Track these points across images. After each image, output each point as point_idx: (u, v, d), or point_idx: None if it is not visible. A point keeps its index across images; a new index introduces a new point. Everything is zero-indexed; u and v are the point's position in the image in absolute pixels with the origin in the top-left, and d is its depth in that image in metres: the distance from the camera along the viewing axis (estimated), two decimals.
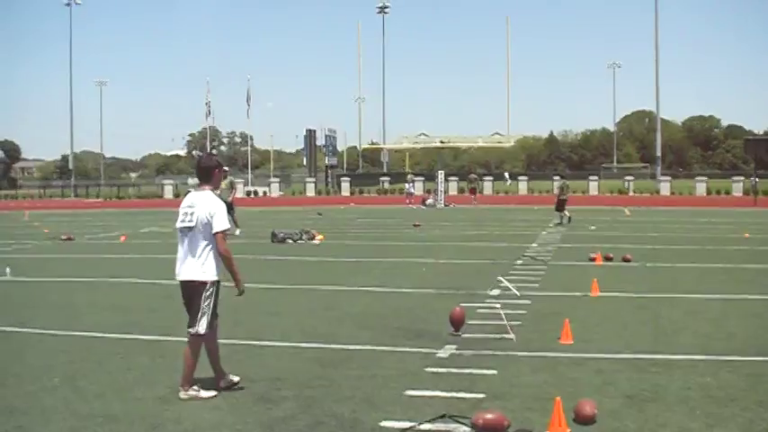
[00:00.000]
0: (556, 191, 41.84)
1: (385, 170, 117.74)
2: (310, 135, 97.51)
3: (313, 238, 28.34)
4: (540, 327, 12.54)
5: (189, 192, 9.65)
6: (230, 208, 31.51)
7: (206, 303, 9.14)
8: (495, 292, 15.59)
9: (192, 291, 9.09)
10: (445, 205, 57.85)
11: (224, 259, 9.14)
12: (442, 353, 10.87)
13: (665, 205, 56.76)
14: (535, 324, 12.75)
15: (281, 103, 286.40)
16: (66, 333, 12.64)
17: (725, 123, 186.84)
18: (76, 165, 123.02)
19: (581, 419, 7.81)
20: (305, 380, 9.59)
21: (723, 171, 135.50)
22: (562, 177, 46.73)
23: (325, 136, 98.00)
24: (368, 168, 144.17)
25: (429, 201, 58.97)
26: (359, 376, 9.77)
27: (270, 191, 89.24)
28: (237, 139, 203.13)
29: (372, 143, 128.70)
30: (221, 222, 8.99)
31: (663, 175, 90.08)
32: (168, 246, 27.57)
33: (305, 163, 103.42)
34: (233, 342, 11.71)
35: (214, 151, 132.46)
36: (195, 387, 9.02)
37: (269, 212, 51.78)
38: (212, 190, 9.33)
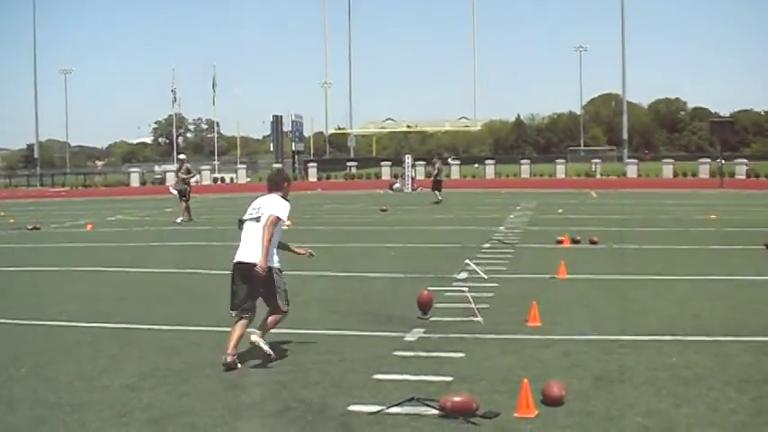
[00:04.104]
0: (434, 171, 43.23)
1: (352, 155, 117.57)
2: (277, 121, 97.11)
3: None
4: (507, 309, 12.57)
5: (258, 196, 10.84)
6: (187, 195, 31.57)
7: (280, 283, 10.19)
8: (463, 275, 15.61)
9: (251, 272, 9.89)
10: (412, 190, 57.90)
11: (264, 232, 9.98)
12: (410, 336, 10.89)
13: (632, 187, 57.08)
14: (503, 307, 12.78)
15: (247, 89, 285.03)
16: (33, 322, 12.55)
17: (691, 106, 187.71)
18: (42, 153, 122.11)
19: (549, 401, 7.84)
20: (273, 366, 9.57)
21: (689, 153, 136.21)
22: (441, 159, 47.72)
23: (292, 122, 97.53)
24: (335, 154, 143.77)
25: (396, 185, 59.05)
26: (327, 361, 9.77)
27: (237, 177, 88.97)
28: (204, 126, 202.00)
29: (339, 129, 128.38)
30: (281, 211, 10.26)
31: (630, 157, 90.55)
32: (135, 234, 27.54)
33: (272, 149, 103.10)
34: (202, 329, 11.75)
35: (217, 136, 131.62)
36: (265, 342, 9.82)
37: (236, 199, 51.65)
38: (280, 195, 10.60)
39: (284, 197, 10.65)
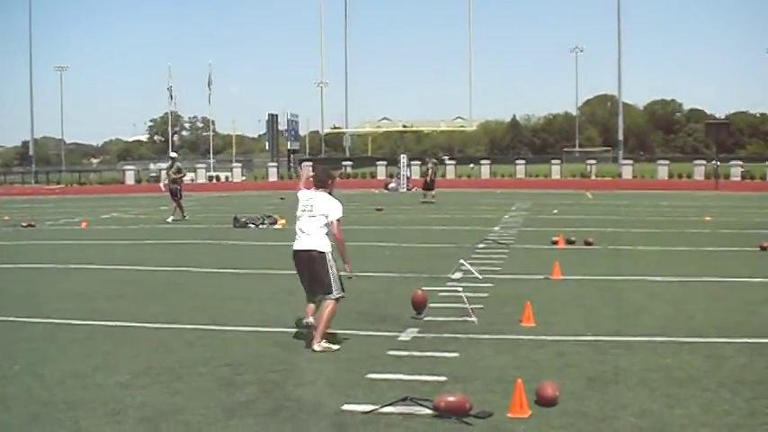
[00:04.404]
0: (429, 172, 43.66)
1: (347, 155, 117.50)
2: (272, 120, 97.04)
3: (275, 223, 28.30)
4: (502, 310, 12.59)
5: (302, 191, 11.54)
6: (178, 194, 31.44)
7: (333, 270, 10.70)
8: (458, 275, 15.61)
9: (310, 260, 10.74)
10: (408, 189, 57.88)
11: (337, 242, 10.82)
12: (405, 336, 10.89)
13: (627, 188, 57.11)
14: (497, 307, 12.79)
15: (243, 87, 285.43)
16: (27, 320, 12.54)
17: (687, 107, 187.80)
18: (37, 151, 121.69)
19: (543, 401, 7.85)
20: (267, 364, 9.58)
21: (685, 155, 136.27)
22: (436, 160, 48.09)
23: (288, 121, 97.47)
24: (330, 153, 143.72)
25: (392, 185, 59.05)
26: (321, 360, 9.79)
27: (232, 176, 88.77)
28: (199, 124, 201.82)
29: (335, 128, 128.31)
30: (337, 211, 10.84)
31: (625, 158, 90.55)
32: (130, 232, 27.52)
33: (267, 148, 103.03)
34: (196, 327, 11.73)
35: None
36: (326, 341, 10.42)
37: (231, 197, 51.65)
38: (327, 192, 11.20)
39: (330, 193, 11.24)
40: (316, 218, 10.91)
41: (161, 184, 34.29)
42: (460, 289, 12.93)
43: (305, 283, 10.99)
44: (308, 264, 10.78)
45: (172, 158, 34.38)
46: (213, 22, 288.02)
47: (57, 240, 25.27)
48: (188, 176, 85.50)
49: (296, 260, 11.02)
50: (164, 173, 36.63)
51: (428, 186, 42.59)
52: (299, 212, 11.18)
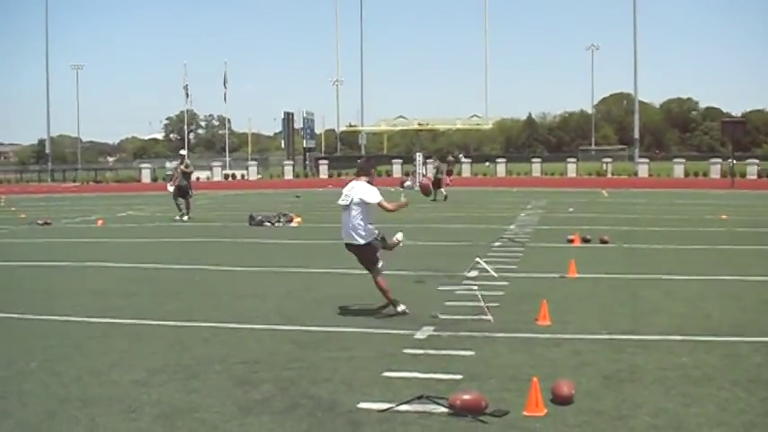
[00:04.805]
0: (433, 170, 44.93)
1: (363, 153, 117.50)
2: (288, 118, 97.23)
3: (291, 221, 28.31)
4: (517, 308, 12.57)
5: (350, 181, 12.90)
6: (187, 192, 31.28)
7: (376, 255, 12.33)
8: (473, 273, 15.57)
9: (353, 249, 12.48)
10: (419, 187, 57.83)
11: (387, 208, 12.49)
12: (420, 334, 10.89)
13: (642, 187, 56.95)
14: (513, 305, 12.78)
15: (259, 86, 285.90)
16: (43, 317, 12.58)
17: (703, 105, 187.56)
18: (53, 149, 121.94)
19: (559, 400, 7.84)
20: (283, 362, 9.59)
21: (701, 153, 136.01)
22: (441, 159, 48.67)
23: (303, 119, 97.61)
24: (346, 151, 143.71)
25: (407, 183, 58.98)
26: (337, 358, 9.78)
27: (248, 174, 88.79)
28: (215, 123, 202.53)
29: (350, 126, 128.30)
30: (374, 196, 12.24)
31: (641, 157, 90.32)
32: (145, 230, 27.58)
33: (283, 146, 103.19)
34: (212, 325, 11.75)
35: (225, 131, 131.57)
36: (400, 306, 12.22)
37: (247, 195, 51.71)
38: (366, 180, 12.57)
39: (370, 182, 12.56)
40: (350, 208, 12.29)
41: (168, 185, 33.99)
42: (476, 287, 12.92)
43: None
44: (355, 252, 12.51)
45: (182, 156, 33.90)
46: (229, 21, 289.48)
47: (73, 238, 25.35)
48: (204, 174, 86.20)
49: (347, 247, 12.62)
50: (172, 171, 36.06)
51: (436, 184, 42.66)
52: (339, 201, 12.69)
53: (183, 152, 35.39)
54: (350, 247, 12.48)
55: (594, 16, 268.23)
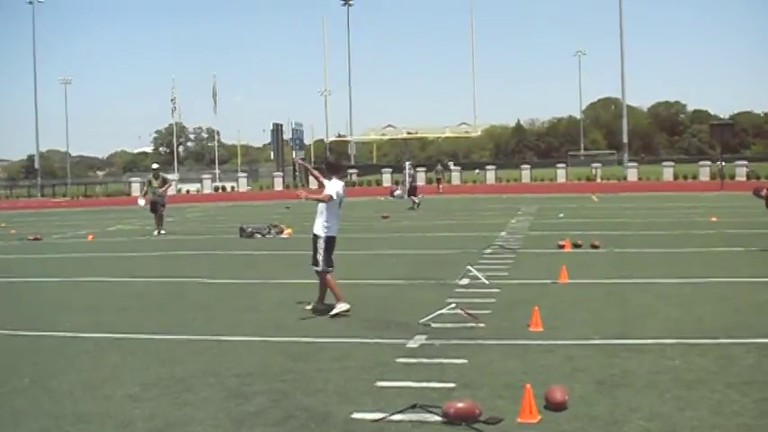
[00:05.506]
0: (409, 178, 46.42)
1: (352, 162, 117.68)
2: (277, 129, 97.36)
3: (281, 232, 28.29)
4: (509, 315, 12.58)
5: None
6: (161, 205, 31.03)
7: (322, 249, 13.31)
8: (465, 281, 15.60)
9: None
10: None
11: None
12: (413, 343, 10.88)
13: (632, 191, 57.11)
14: (505, 312, 12.78)
15: (247, 97, 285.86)
16: (35, 333, 12.56)
17: (690, 108, 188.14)
18: (43, 164, 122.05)
19: (552, 406, 7.83)
20: (276, 374, 9.57)
21: (690, 156, 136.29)
22: (415, 166, 49.38)
23: (292, 130, 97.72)
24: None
25: (397, 192, 58.96)
26: (330, 369, 9.76)
27: (238, 186, 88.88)
28: (204, 135, 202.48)
29: (339, 136, 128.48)
30: (329, 190, 13.35)
31: (630, 161, 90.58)
32: (136, 244, 27.53)
33: (272, 157, 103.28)
34: (204, 338, 11.73)
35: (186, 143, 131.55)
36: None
37: (237, 207, 51.68)
38: (338, 178, 13.74)
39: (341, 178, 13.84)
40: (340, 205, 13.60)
41: (138, 199, 33.68)
42: (454, 304, 12.80)
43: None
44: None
45: (155, 170, 33.18)
46: (217, 33, 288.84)
47: (63, 254, 25.31)
48: (194, 187, 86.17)
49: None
50: (143, 186, 35.37)
51: (412, 191, 43.32)
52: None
53: (156, 166, 34.86)
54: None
55: (581, 22, 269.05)
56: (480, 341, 10.88)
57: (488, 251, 21.11)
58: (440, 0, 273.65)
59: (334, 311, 12.91)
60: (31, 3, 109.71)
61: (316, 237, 13.31)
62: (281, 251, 23.35)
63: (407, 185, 44.12)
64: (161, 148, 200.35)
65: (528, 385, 7.74)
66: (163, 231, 30.57)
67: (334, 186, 13.36)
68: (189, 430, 7.70)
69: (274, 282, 17.28)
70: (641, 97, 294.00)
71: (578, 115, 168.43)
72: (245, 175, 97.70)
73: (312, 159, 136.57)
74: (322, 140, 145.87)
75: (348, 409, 8.07)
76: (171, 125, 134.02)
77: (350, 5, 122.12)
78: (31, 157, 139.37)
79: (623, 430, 7.32)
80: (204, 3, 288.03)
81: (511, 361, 9.88)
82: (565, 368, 9.48)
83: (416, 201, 42.13)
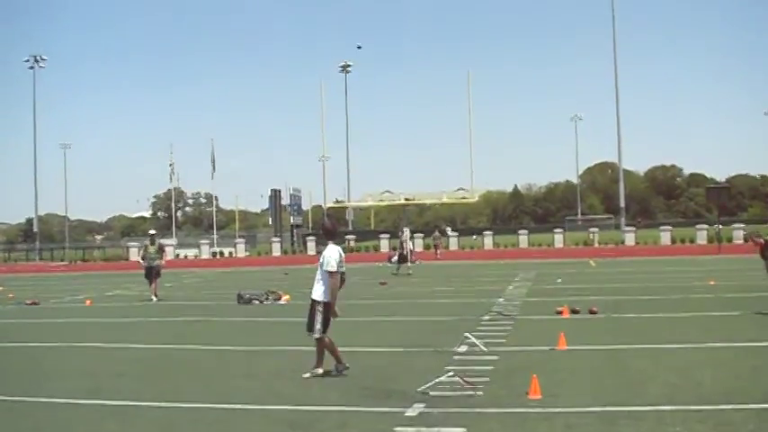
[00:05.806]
0: (400, 248, 46.30)
1: (350, 228, 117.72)
2: (275, 195, 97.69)
3: (279, 299, 28.24)
4: (508, 382, 12.55)
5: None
6: (158, 273, 31.02)
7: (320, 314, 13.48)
8: (463, 348, 15.58)
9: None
10: (411, 262, 57.82)
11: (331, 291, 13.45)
12: (411, 411, 10.84)
13: (630, 255, 57.08)
14: (503, 379, 12.75)
15: (245, 162, 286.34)
16: (31, 399, 12.51)
17: (687, 172, 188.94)
18: (41, 228, 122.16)
19: None
20: None
21: (687, 219, 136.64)
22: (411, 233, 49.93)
23: (290, 195, 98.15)
24: None
25: (395, 258, 58.97)
26: None
27: (236, 251, 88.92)
28: (203, 200, 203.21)
29: (337, 201, 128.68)
30: (328, 265, 13.37)
31: (627, 225, 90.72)
32: (134, 309, 27.47)
33: (270, 223, 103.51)
34: (202, 406, 11.68)
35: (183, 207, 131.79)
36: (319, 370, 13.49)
37: (235, 273, 51.62)
38: (334, 243, 13.72)
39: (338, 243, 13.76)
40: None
41: (139, 260, 33.78)
42: (452, 373, 12.78)
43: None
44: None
45: (152, 235, 33.10)
46: (215, 99, 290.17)
47: (61, 319, 25.26)
48: (192, 252, 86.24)
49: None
50: (141, 251, 35.13)
51: (402, 259, 43.33)
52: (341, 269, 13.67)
53: (153, 232, 34.85)
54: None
55: (577, 87, 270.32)
56: (479, 409, 10.85)
57: (486, 318, 21.08)
58: (437, 67, 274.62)
59: (306, 374, 13.55)
60: (32, 68, 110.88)
61: (315, 302, 13.45)
62: (279, 318, 23.30)
63: (405, 251, 44.11)
64: (159, 213, 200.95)
65: None
66: (154, 298, 30.43)
67: (331, 256, 13.42)
68: None
69: (272, 349, 17.25)
70: (638, 161, 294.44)
71: (575, 180, 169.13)
72: (243, 240, 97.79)
73: (310, 225, 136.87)
74: (320, 206, 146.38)
75: None
76: (169, 190, 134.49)
77: (348, 72, 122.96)
78: (29, 221, 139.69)
79: None
80: (202, 68, 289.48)
81: (510, 429, 9.85)
82: None
83: (409, 266, 42.32)
